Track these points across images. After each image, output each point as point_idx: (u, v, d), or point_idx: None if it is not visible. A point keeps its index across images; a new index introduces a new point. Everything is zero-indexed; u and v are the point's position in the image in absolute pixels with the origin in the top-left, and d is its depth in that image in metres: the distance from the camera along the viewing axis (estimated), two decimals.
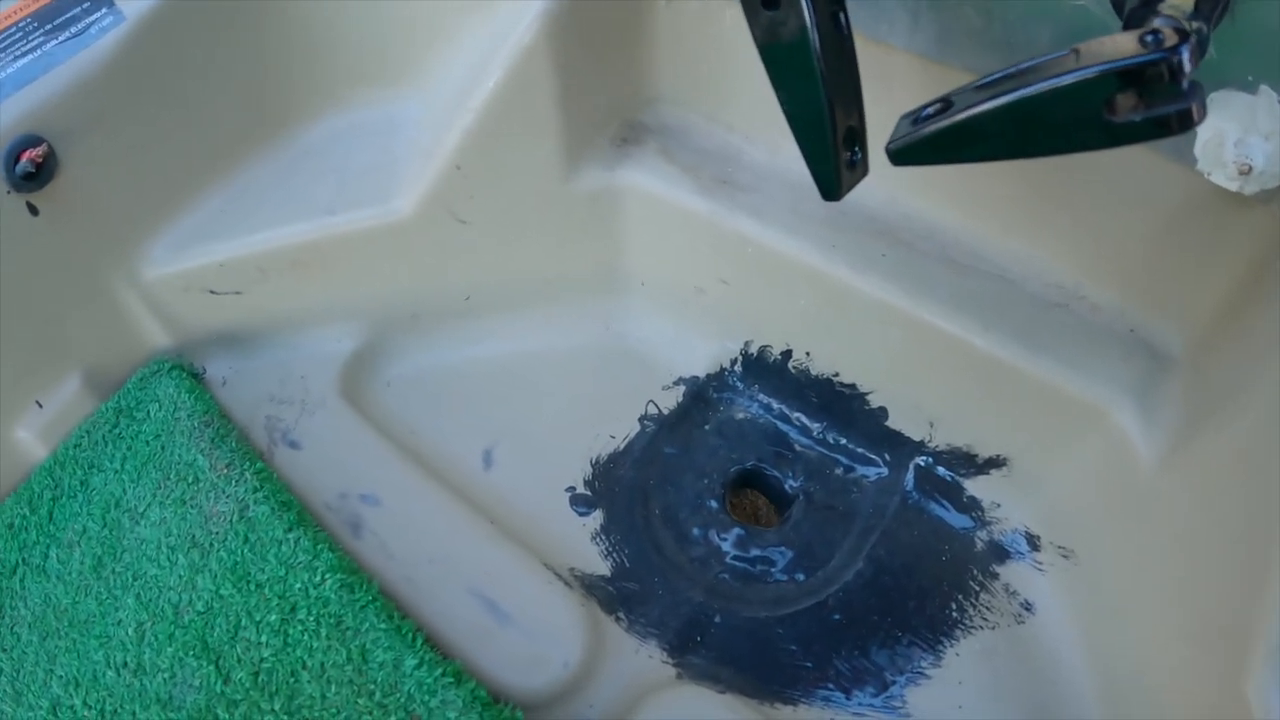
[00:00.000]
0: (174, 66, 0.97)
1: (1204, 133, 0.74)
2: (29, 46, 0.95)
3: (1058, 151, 0.55)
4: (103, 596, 0.92)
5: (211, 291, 1.02)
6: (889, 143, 0.61)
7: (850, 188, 0.69)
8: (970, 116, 0.55)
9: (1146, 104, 0.48)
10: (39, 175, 0.90)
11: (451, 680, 0.81)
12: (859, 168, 0.69)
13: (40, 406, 1.01)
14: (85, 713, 0.87)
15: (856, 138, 0.68)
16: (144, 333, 1.05)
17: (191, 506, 0.94)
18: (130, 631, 0.89)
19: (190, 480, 0.95)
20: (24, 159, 0.88)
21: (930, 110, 0.59)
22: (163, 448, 0.98)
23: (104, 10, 0.97)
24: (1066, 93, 0.50)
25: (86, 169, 0.94)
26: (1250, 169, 0.73)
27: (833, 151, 0.66)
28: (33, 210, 0.92)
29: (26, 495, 1.00)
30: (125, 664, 0.88)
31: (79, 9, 0.97)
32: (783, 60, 0.64)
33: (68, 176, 0.93)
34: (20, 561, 0.96)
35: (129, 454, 0.99)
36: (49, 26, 0.97)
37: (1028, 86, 0.52)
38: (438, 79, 1.01)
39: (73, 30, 0.97)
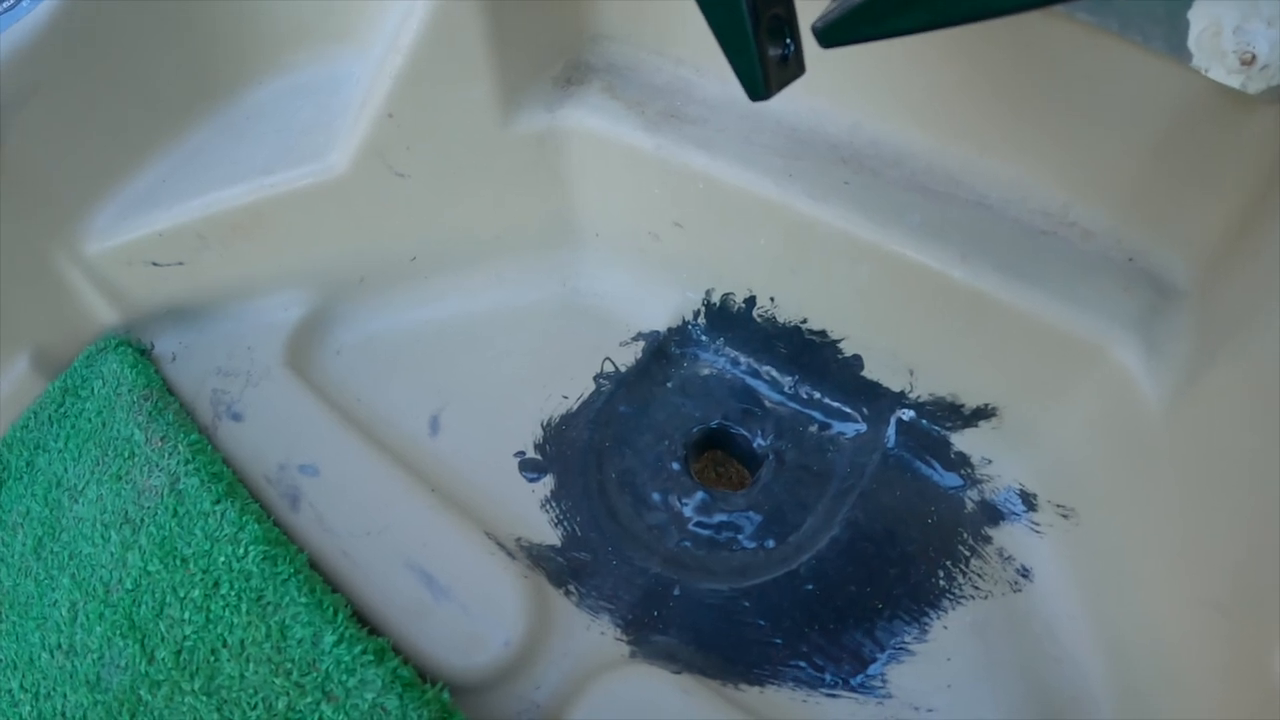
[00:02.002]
0: (111, 34, 0.94)
1: (1198, 22, 0.66)
2: None
3: (1018, 6, 0.46)
4: (41, 578, 0.89)
5: (154, 263, 0.99)
6: (815, 22, 0.53)
7: (781, 86, 0.62)
8: None
9: None
10: None
11: (372, 658, 0.75)
12: (792, 64, 0.61)
13: None
14: (21, 696, 0.85)
15: (785, 28, 0.60)
16: (91, 310, 1.03)
17: (126, 482, 0.90)
18: (64, 612, 0.86)
19: (126, 455, 0.92)
20: None
21: None
22: (103, 424, 0.95)
23: None
24: None
25: (24, 142, 0.91)
26: (1253, 59, 0.65)
27: (754, 41, 0.58)
28: None
29: None
30: (59, 645, 0.85)
31: None
32: None
33: (5, 151, 0.90)
34: None
35: (72, 433, 0.96)
36: None
37: None
38: (378, 31, 0.96)
39: (6, 3, 0.95)
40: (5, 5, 0.95)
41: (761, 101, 0.62)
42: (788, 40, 0.60)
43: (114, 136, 0.98)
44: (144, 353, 1.03)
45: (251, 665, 0.78)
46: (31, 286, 0.98)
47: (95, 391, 0.98)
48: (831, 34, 0.53)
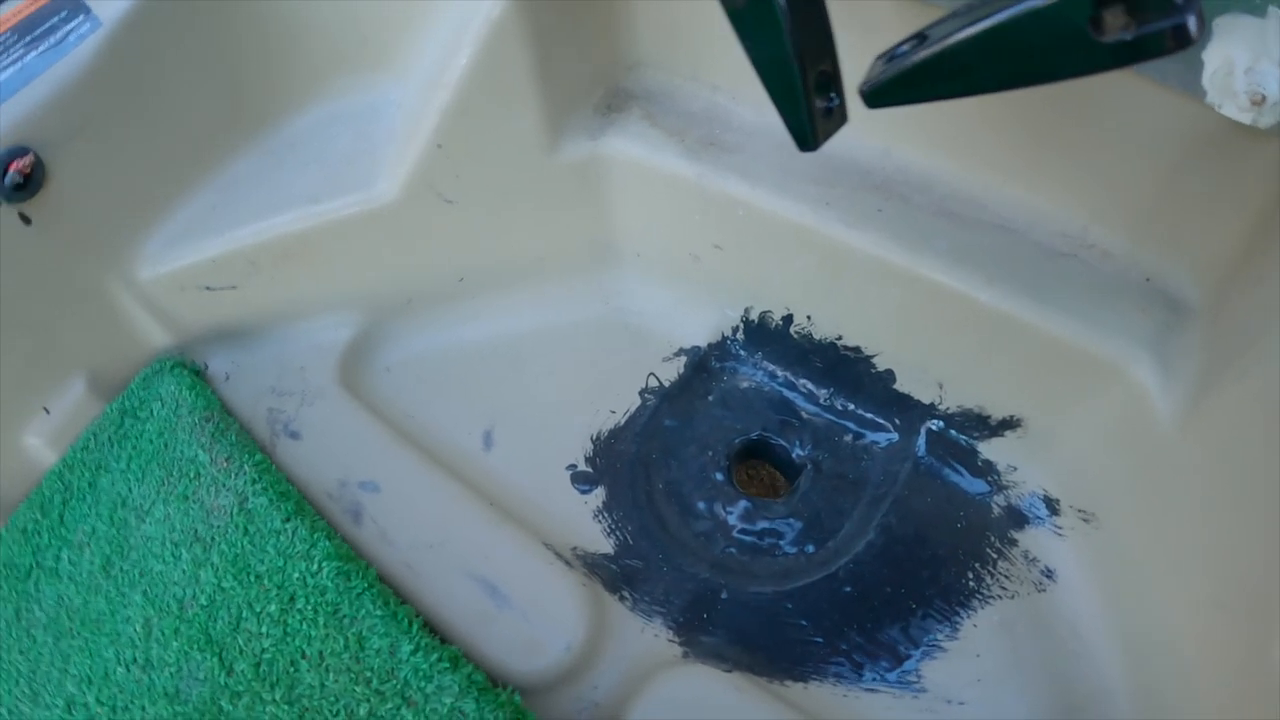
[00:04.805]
0: (153, 68, 0.96)
1: (1211, 62, 0.70)
2: (10, 60, 0.95)
3: (1044, 79, 0.51)
4: (112, 595, 0.93)
5: (207, 288, 1.02)
6: (862, 84, 0.58)
7: (828, 136, 0.66)
8: (946, 48, 0.52)
9: (1137, 20, 0.44)
10: (28, 185, 0.90)
11: (448, 665, 0.80)
12: (836, 115, 0.66)
13: (48, 412, 1.02)
14: (98, 710, 0.88)
15: (831, 83, 0.64)
16: (144, 333, 1.05)
17: (194, 502, 0.94)
18: (138, 628, 0.90)
19: (192, 476, 0.95)
20: (12, 170, 0.88)
21: (905, 47, 0.56)
22: (165, 445, 0.98)
23: (81, 18, 0.96)
24: (1046, 13, 0.46)
25: (74, 175, 0.94)
26: (1263, 99, 0.69)
27: (804, 98, 0.63)
28: (25, 220, 0.92)
29: (38, 500, 1.01)
30: (134, 660, 0.88)
31: (56, 19, 0.97)
32: (743, 3, 0.61)
33: (57, 184, 0.93)
34: (34, 565, 0.97)
35: (134, 453, 0.99)
36: (29, 38, 0.97)
37: (1005, 10, 0.48)
38: (416, 61, 0.99)
39: (51, 40, 0.97)
40: (49, 43, 0.98)
41: (810, 152, 0.66)
42: (832, 94, 0.64)
43: (160, 168, 1.00)
44: (199, 374, 1.06)
45: (331, 675, 0.82)
46: (86, 312, 1.01)
47: (155, 413, 1.01)
48: (878, 96, 0.58)
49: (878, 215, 0.87)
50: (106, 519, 0.97)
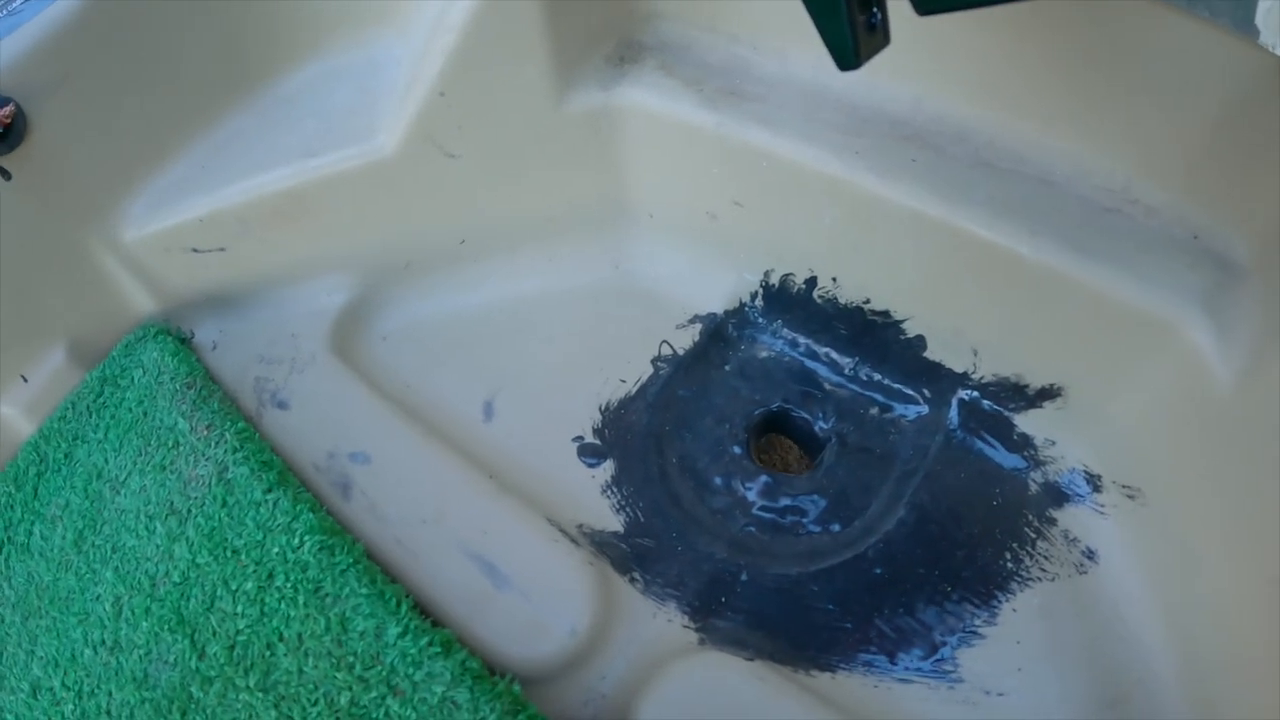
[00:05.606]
0: (145, 19, 0.92)
1: None
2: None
3: None
4: (82, 571, 0.87)
5: (194, 250, 0.97)
6: None
7: (871, 54, 0.61)
8: None
9: None
10: (8, 137, 0.87)
11: (439, 650, 0.73)
12: (879, 33, 0.61)
13: (25, 381, 0.98)
14: (63, 694, 0.83)
15: None
16: (128, 298, 1.01)
17: (171, 472, 0.88)
18: (108, 607, 0.84)
19: (170, 445, 0.89)
20: None
21: None
22: (145, 414, 0.93)
23: None
24: None
25: (58, 129, 0.90)
26: None
27: (845, 9, 0.57)
28: (4, 175, 0.89)
29: (12, 473, 0.96)
30: (103, 641, 0.83)
31: None
32: None
33: (39, 137, 0.89)
34: (5, 540, 0.93)
35: (112, 423, 0.94)
36: None
37: None
38: (420, 15, 0.94)
39: None
40: None
41: (851, 71, 0.61)
42: (875, 9, 0.59)
43: (148, 123, 0.96)
44: (184, 341, 1.01)
45: (310, 660, 0.75)
46: (67, 276, 0.96)
47: (135, 381, 0.95)
48: (929, 1, 0.53)
49: (911, 165, 0.81)
50: (81, 491, 0.91)
